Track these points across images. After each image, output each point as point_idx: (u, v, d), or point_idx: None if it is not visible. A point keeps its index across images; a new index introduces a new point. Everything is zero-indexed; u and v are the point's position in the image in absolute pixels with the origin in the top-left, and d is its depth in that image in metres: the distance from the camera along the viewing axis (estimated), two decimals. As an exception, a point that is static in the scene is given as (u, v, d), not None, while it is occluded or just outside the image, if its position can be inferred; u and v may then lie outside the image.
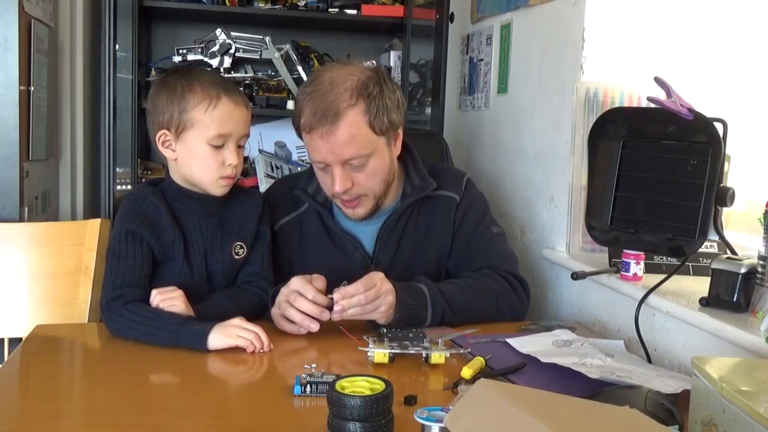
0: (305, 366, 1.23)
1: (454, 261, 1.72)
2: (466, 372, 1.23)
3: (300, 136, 1.61)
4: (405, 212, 1.69)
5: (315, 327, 1.44)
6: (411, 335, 1.35)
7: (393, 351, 1.31)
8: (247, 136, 1.54)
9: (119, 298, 1.44)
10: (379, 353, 1.31)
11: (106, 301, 1.45)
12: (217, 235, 1.57)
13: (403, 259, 1.68)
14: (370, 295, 1.43)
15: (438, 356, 1.31)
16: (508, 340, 1.43)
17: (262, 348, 1.37)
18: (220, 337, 1.37)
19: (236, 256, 1.59)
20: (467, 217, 1.72)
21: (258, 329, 1.39)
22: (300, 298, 1.43)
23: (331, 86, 1.53)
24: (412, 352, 1.32)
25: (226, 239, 1.58)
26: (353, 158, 1.55)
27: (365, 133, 1.55)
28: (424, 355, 1.32)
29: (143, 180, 2.81)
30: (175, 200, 1.53)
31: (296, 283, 1.45)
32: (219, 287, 1.58)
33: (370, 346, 1.32)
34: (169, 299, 1.43)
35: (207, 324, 1.39)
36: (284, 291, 1.46)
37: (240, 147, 1.53)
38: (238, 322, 1.40)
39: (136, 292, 1.46)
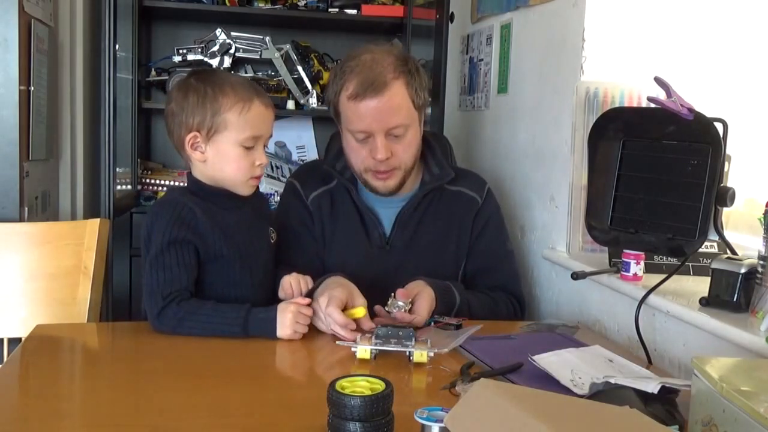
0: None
1: (472, 268, 1.81)
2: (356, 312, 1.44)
3: (335, 112, 1.70)
4: (424, 199, 1.78)
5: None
6: (400, 333, 1.34)
7: (374, 348, 1.32)
8: (271, 135, 1.60)
9: (172, 302, 1.44)
10: (362, 349, 1.31)
11: (157, 311, 1.44)
12: (255, 224, 1.62)
13: (421, 247, 1.76)
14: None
15: (420, 354, 1.31)
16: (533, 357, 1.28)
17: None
18: (284, 329, 1.42)
19: (271, 241, 1.66)
20: (489, 228, 1.83)
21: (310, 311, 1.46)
22: (335, 325, 1.44)
23: (374, 62, 1.65)
24: (393, 349, 1.31)
25: (262, 225, 1.64)
26: (397, 126, 1.65)
27: (408, 104, 1.67)
28: (407, 353, 1.32)
29: (143, 181, 2.82)
30: (208, 199, 1.55)
31: (331, 311, 1.44)
32: (264, 275, 1.61)
33: (357, 341, 1.33)
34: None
35: (270, 310, 1.44)
36: (321, 306, 1.47)
37: (264, 146, 1.57)
38: (294, 308, 1.44)
39: (186, 294, 1.47)
